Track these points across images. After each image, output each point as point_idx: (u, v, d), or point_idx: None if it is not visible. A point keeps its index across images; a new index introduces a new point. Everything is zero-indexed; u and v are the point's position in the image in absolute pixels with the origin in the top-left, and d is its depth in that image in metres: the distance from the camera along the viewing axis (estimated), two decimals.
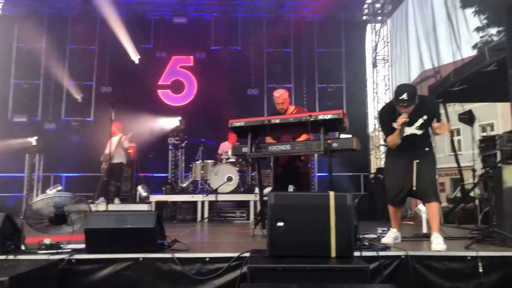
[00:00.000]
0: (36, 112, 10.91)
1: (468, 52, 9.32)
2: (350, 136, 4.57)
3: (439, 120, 4.00)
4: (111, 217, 3.61)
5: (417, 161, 4.02)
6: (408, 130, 4.00)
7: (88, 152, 9.13)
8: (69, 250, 3.54)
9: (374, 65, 12.51)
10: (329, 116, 4.34)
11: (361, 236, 3.91)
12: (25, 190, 9.99)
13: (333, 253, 3.11)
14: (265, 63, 11.33)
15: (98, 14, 11.15)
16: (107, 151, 8.50)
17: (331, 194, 3.20)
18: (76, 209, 4.07)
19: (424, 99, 4.09)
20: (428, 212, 4.12)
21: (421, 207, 4.99)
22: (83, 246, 3.54)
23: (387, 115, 4.11)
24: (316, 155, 7.22)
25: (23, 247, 3.61)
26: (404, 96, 3.81)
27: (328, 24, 11.47)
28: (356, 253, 3.27)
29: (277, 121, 4.57)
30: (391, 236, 4.23)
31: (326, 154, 4.44)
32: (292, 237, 3.14)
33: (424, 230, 4.83)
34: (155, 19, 11.52)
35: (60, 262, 3.33)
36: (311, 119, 4.35)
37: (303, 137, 5.14)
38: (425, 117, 3.98)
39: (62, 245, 3.63)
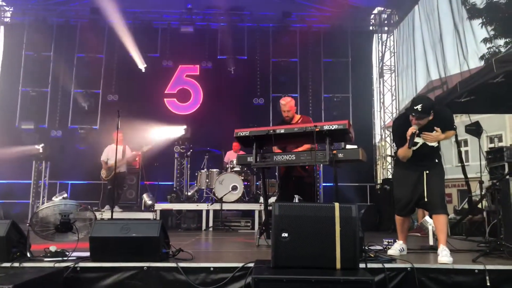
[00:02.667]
0: (43, 119, 11.00)
1: (475, 63, 9.28)
2: (355, 146, 4.55)
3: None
4: (116, 225, 3.61)
5: (427, 172, 4.01)
6: (422, 141, 4.00)
7: (94, 160, 9.17)
8: (74, 258, 3.54)
9: (381, 75, 12.52)
10: (334, 127, 4.31)
11: (366, 248, 3.89)
12: (31, 197, 10.07)
13: (338, 265, 3.08)
14: (271, 72, 11.38)
15: (106, 23, 11.27)
16: (104, 158, 8.51)
17: (336, 205, 3.18)
18: (82, 217, 4.09)
19: (439, 111, 4.05)
20: (435, 224, 4.07)
21: (427, 218, 4.95)
22: (88, 254, 3.55)
23: (401, 125, 4.07)
24: (321, 165, 7.20)
25: (28, 255, 3.63)
26: (419, 107, 3.81)
27: (335, 34, 11.51)
28: (362, 265, 3.24)
29: (282, 131, 4.53)
30: (397, 248, 4.20)
31: (332, 164, 4.42)
32: (297, 248, 3.12)
33: (431, 242, 4.79)
34: (162, 28, 11.63)
35: (65, 270, 3.34)
36: (317, 129, 4.31)
37: (305, 146, 5.12)
38: (439, 129, 3.97)
39: (67, 253, 3.64)
